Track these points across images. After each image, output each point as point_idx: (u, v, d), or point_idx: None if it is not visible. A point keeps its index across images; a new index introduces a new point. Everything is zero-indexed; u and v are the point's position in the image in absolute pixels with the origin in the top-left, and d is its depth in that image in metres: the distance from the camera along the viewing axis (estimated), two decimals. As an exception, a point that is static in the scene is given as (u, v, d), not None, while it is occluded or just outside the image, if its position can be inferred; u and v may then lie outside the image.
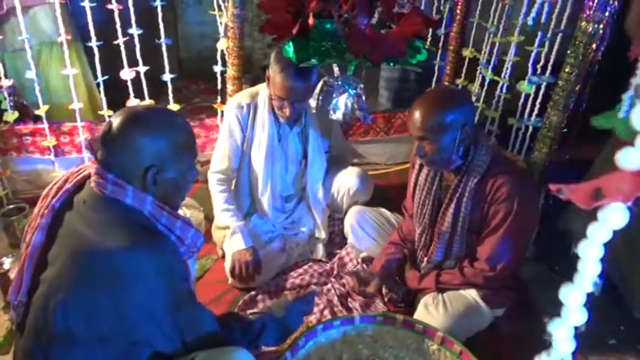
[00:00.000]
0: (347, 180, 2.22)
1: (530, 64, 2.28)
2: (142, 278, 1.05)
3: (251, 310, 1.91)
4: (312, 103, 1.60)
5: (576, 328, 0.56)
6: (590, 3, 1.85)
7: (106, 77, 2.32)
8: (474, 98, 2.65)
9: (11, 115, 2.31)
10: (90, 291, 1.04)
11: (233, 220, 2.02)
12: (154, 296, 1.08)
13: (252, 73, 3.96)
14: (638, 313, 1.96)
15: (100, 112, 2.43)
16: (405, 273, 1.90)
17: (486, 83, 2.57)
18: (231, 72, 2.40)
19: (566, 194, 0.52)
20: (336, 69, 1.51)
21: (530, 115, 2.33)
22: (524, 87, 2.28)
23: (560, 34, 2.18)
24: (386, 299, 1.96)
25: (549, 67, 2.22)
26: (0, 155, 2.46)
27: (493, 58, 2.51)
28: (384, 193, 2.59)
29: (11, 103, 2.34)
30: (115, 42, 2.26)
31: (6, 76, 2.27)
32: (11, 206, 2.30)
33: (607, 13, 1.84)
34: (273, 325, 1.39)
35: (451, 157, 1.59)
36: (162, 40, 2.37)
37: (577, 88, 2.01)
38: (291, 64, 1.49)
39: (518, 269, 1.86)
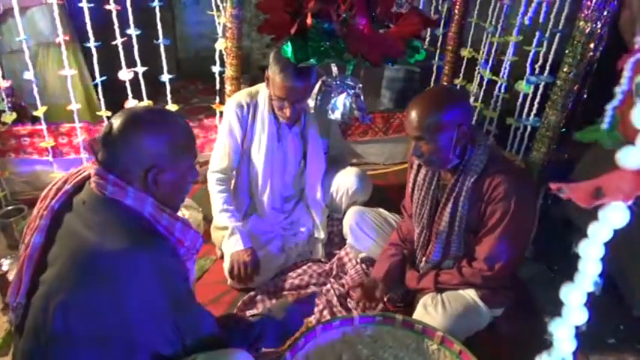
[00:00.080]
0: (346, 180, 2.22)
1: (528, 64, 2.28)
2: (142, 279, 1.05)
3: (251, 312, 1.91)
4: (311, 103, 1.60)
5: (577, 328, 0.56)
6: (589, 3, 1.85)
7: (104, 78, 2.32)
8: (472, 98, 2.65)
9: (9, 117, 2.30)
10: (90, 292, 1.03)
11: (232, 221, 2.02)
12: (154, 297, 1.08)
13: (250, 73, 3.96)
14: (638, 312, 1.96)
15: (97, 113, 2.43)
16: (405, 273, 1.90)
17: (485, 83, 2.57)
18: (229, 72, 2.40)
19: (566, 193, 0.52)
20: (334, 69, 1.51)
21: (528, 114, 2.33)
22: (523, 87, 2.28)
23: (558, 34, 2.18)
24: (385, 299, 1.96)
25: (547, 67, 2.22)
26: (-2, 156, 2.45)
27: (491, 58, 2.51)
28: (383, 193, 2.59)
29: (9, 105, 2.33)
30: (113, 42, 2.26)
31: (3, 77, 2.27)
32: (10, 207, 2.30)
33: (605, 13, 1.84)
34: (272, 326, 1.39)
35: (448, 157, 1.59)
36: (161, 40, 2.37)
37: (575, 88, 2.01)
38: (291, 64, 1.49)
39: (516, 269, 1.86)
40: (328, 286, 2.05)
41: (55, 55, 2.67)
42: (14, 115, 2.32)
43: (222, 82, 2.47)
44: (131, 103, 2.37)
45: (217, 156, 2.13)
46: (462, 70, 2.79)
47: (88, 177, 1.16)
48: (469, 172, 1.61)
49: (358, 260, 2.14)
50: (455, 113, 1.54)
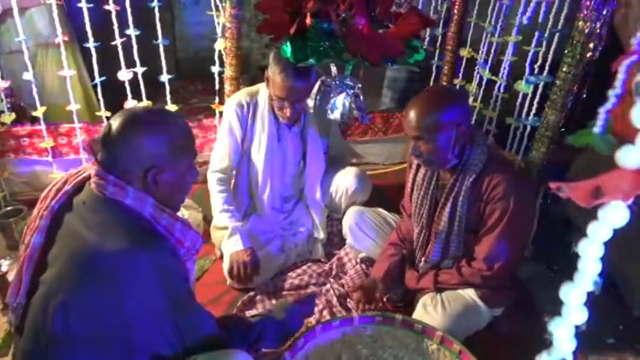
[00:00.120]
0: (345, 180, 2.22)
1: (527, 64, 2.28)
2: (142, 279, 1.05)
3: (251, 312, 1.91)
4: (310, 102, 1.60)
5: (577, 327, 0.56)
6: (587, 3, 1.85)
7: (103, 78, 2.31)
8: (471, 98, 2.65)
9: (8, 117, 2.30)
10: (90, 292, 1.03)
11: (232, 221, 2.02)
12: (154, 298, 1.08)
13: (249, 73, 3.96)
14: (638, 312, 1.97)
15: (97, 114, 2.42)
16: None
17: (484, 83, 2.57)
18: (228, 72, 2.40)
19: (565, 192, 0.52)
20: (333, 69, 1.51)
21: (527, 114, 2.33)
22: (522, 86, 2.28)
23: (557, 34, 2.18)
24: (385, 299, 1.96)
25: (547, 67, 2.22)
26: (-3, 157, 2.45)
27: (491, 58, 2.51)
28: (382, 193, 2.59)
29: (8, 105, 2.33)
30: (113, 43, 2.26)
31: (2, 78, 2.26)
32: (9, 208, 2.29)
33: (604, 13, 1.84)
34: (273, 327, 1.39)
35: (447, 157, 1.59)
36: (160, 40, 2.36)
37: (575, 88, 2.02)
38: (291, 64, 1.49)
39: (516, 268, 1.86)
40: (328, 286, 2.04)
41: (53, 56, 2.67)
42: (13, 116, 2.32)
43: (221, 83, 2.46)
44: (130, 103, 2.37)
45: (217, 156, 2.12)
46: (461, 70, 2.79)
47: (88, 177, 1.16)
48: (468, 171, 1.61)
49: (358, 260, 2.14)
50: (453, 113, 1.54)
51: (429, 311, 1.68)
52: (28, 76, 2.21)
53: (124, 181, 1.11)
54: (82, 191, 1.15)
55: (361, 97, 1.51)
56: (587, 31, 1.88)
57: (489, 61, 2.52)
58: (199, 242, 1.26)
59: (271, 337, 1.39)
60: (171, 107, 2.47)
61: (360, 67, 1.43)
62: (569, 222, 2.22)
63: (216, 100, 2.53)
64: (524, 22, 2.26)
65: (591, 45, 1.91)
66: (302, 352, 1.51)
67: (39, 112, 2.30)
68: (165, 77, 2.43)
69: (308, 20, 1.32)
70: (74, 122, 2.39)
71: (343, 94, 1.47)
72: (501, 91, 2.50)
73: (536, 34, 2.23)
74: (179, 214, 1.27)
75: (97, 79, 2.31)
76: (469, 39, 2.70)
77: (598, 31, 1.88)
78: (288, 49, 1.38)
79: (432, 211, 1.76)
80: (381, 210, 2.16)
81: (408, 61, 1.43)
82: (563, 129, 2.13)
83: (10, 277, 1.91)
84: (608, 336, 1.90)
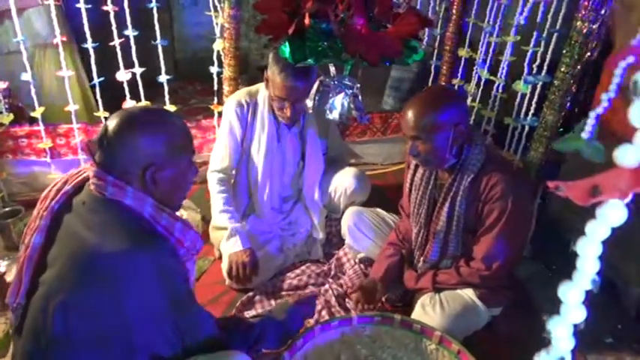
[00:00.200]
0: (344, 180, 2.22)
1: (526, 64, 2.29)
2: (142, 280, 1.05)
3: (250, 313, 1.91)
4: (309, 103, 1.60)
5: (575, 326, 0.56)
6: (586, 3, 1.85)
7: (101, 79, 2.31)
8: (470, 98, 2.66)
9: (6, 118, 2.30)
10: (90, 292, 1.03)
11: (232, 222, 2.01)
12: (154, 298, 1.07)
13: (248, 73, 3.96)
14: (634, 312, 1.97)
15: (95, 114, 2.42)
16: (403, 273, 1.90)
17: (482, 83, 2.58)
18: (227, 73, 2.40)
19: (563, 191, 0.52)
20: (332, 69, 1.51)
21: (526, 114, 2.33)
22: (520, 86, 2.28)
23: (555, 34, 2.18)
24: (383, 299, 1.96)
25: (545, 67, 2.22)
26: (-4, 158, 2.45)
27: (489, 58, 2.52)
28: (381, 193, 2.59)
29: (6, 106, 2.33)
30: (111, 43, 2.26)
31: (0, 79, 2.26)
32: (7, 209, 2.29)
33: (602, 13, 1.85)
34: (273, 327, 1.39)
35: (445, 157, 1.60)
36: (158, 41, 2.36)
37: (573, 88, 2.02)
38: (290, 64, 1.49)
39: (514, 268, 1.86)
40: (327, 286, 2.04)
41: (52, 56, 2.67)
42: (11, 116, 2.32)
43: (220, 83, 2.46)
44: (129, 104, 2.37)
45: (218, 155, 2.12)
46: (460, 70, 2.79)
47: (88, 178, 1.16)
48: (466, 171, 1.61)
49: (357, 260, 2.14)
50: (451, 113, 1.54)
51: (427, 311, 1.68)
52: (26, 76, 2.21)
53: (123, 181, 1.11)
54: (81, 191, 1.15)
55: (360, 97, 1.51)
56: (585, 31, 1.88)
57: (488, 61, 2.52)
58: (199, 242, 1.26)
59: (271, 337, 1.39)
60: (170, 108, 2.47)
61: (358, 67, 1.43)
62: (559, 223, 2.22)
63: (215, 100, 2.54)
64: (522, 22, 2.27)
65: (589, 45, 1.92)
66: (301, 352, 1.51)
67: (37, 113, 2.30)
68: (163, 78, 2.43)
69: (306, 20, 1.32)
70: (72, 123, 2.39)
71: (342, 94, 1.47)
72: (500, 91, 2.51)
73: (535, 34, 2.24)
74: (177, 214, 1.26)
75: (96, 80, 2.31)
76: (467, 39, 2.70)
77: (596, 31, 1.89)
78: (286, 49, 1.38)
79: (430, 211, 1.76)
80: (379, 210, 2.16)
81: (406, 61, 1.43)
82: (561, 129, 2.14)
83: (8, 277, 1.91)
84: (606, 335, 1.91)
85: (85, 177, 1.18)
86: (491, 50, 2.51)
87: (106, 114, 2.36)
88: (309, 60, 1.34)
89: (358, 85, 1.48)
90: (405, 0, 1.41)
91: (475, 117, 2.73)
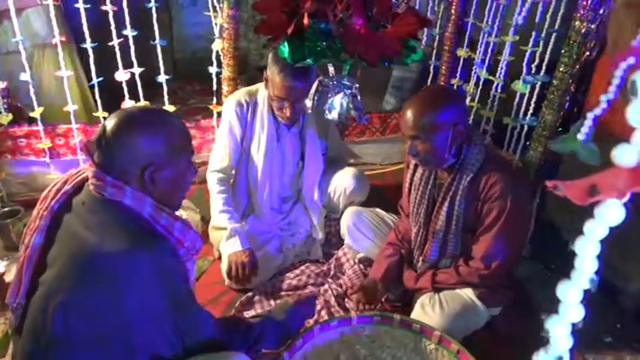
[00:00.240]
0: (343, 180, 2.22)
1: (524, 64, 2.29)
2: (142, 280, 1.05)
3: (249, 313, 1.91)
4: (308, 103, 1.60)
5: (573, 325, 0.56)
6: (584, 2, 1.86)
7: (100, 79, 2.31)
8: (469, 98, 2.66)
9: (5, 118, 2.30)
10: (89, 292, 1.03)
11: (231, 222, 2.01)
12: (154, 298, 1.08)
13: (247, 74, 3.97)
14: (631, 310, 1.97)
15: (94, 114, 2.42)
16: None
17: (481, 83, 2.58)
18: (226, 73, 2.40)
19: (562, 191, 0.52)
20: (331, 69, 1.51)
21: (525, 114, 2.33)
22: (519, 86, 2.28)
23: (554, 34, 2.19)
24: (383, 299, 1.96)
25: (544, 67, 2.23)
26: (-6, 158, 2.45)
27: (488, 58, 2.52)
28: (380, 193, 2.59)
29: (5, 106, 2.32)
30: (110, 43, 2.26)
31: None
32: (6, 209, 2.29)
33: (601, 12, 1.85)
34: (273, 328, 1.39)
35: (444, 156, 1.60)
36: (157, 41, 2.36)
37: (571, 87, 2.02)
38: (290, 64, 1.50)
39: (513, 267, 1.87)
40: (326, 286, 2.05)
41: (51, 56, 2.67)
42: (10, 117, 2.32)
43: (219, 83, 2.46)
44: (128, 104, 2.37)
45: (217, 155, 2.12)
46: (459, 69, 2.79)
47: (88, 178, 1.16)
48: (465, 170, 1.61)
49: (356, 260, 2.14)
50: (450, 113, 1.55)
51: (427, 311, 1.68)
52: (25, 76, 2.21)
53: (121, 182, 1.11)
54: (81, 191, 1.15)
55: (358, 97, 1.51)
56: (583, 30, 1.89)
57: (486, 61, 2.52)
58: (199, 242, 1.26)
59: (271, 337, 1.39)
60: (169, 108, 2.47)
61: (357, 67, 1.43)
62: (552, 225, 2.23)
63: (214, 100, 2.54)
64: (520, 21, 2.27)
65: (588, 45, 1.92)
66: (300, 352, 1.51)
67: (36, 113, 2.30)
68: (162, 78, 2.43)
69: (305, 20, 1.32)
70: (71, 123, 2.39)
71: (341, 94, 1.47)
72: (499, 90, 2.51)
73: (533, 33, 2.24)
74: (176, 214, 1.26)
75: (95, 80, 2.31)
76: (466, 39, 2.70)
77: (595, 30, 1.89)
78: (285, 49, 1.38)
79: (429, 211, 1.76)
80: (378, 210, 2.16)
81: (405, 61, 1.43)
82: (560, 129, 2.14)
83: (7, 278, 1.91)
84: (605, 335, 1.91)
85: (84, 177, 1.18)
86: (490, 50, 2.51)
87: (105, 114, 2.36)
88: (308, 60, 1.35)
89: (357, 85, 1.48)
90: (403, 0, 1.41)
91: (474, 117, 2.74)
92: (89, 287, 1.04)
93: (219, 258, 2.09)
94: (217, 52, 2.39)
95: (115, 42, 2.26)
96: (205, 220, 2.32)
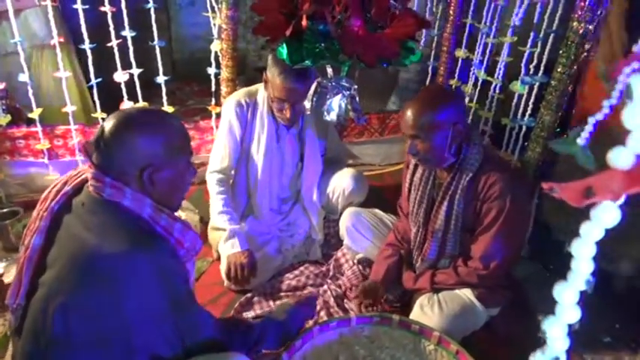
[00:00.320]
0: (342, 181, 2.22)
1: (523, 65, 2.29)
2: (142, 280, 1.05)
3: (249, 314, 1.91)
4: (307, 104, 1.60)
5: (570, 326, 0.57)
6: (582, 3, 1.86)
7: (99, 80, 2.31)
8: (467, 99, 2.66)
9: (4, 119, 2.30)
10: (89, 294, 1.04)
11: (231, 223, 2.01)
12: (154, 299, 1.08)
13: (246, 74, 3.97)
14: (622, 284, 1.97)
15: (93, 115, 2.42)
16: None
17: (479, 84, 2.58)
18: (225, 74, 2.40)
19: (557, 192, 0.53)
20: (329, 70, 1.51)
21: (523, 115, 2.34)
22: (517, 87, 2.29)
23: (552, 35, 2.19)
24: (382, 300, 1.96)
25: (542, 67, 2.23)
26: (-7, 159, 2.44)
27: (486, 59, 2.52)
28: (379, 194, 2.59)
29: (4, 107, 2.33)
30: (108, 44, 2.26)
31: (-2, 80, 2.26)
32: (5, 210, 2.29)
33: (598, 13, 1.86)
34: (273, 328, 1.40)
35: (443, 155, 1.60)
36: (156, 42, 2.36)
37: (569, 88, 2.03)
38: (289, 65, 1.50)
39: (512, 268, 1.87)
40: (325, 287, 2.05)
41: (49, 57, 2.67)
42: (9, 117, 2.32)
43: (217, 84, 2.46)
44: (126, 104, 2.37)
45: (217, 156, 2.12)
46: (457, 70, 2.80)
47: (87, 179, 1.16)
48: (465, 170, 1.62)
49: (355, 261, 2.14)
50: (449, 112, 1.55)
51: (426, 312, 1.68)
52: (23, 77, 2.20)
53: (121, 182, 1.11)
54: (81, 192, 1.15)
55: (357, 99, 1.51)
56: (581, 31, 1.89)
57: (485, 62, 2.53)
58: (199, 243, 1.26)
59: (271, 338, 1.39)
60: (168, 109, 2.47)
61: (355, 69, 1.44)
62: (547, 226, 2.23)
63: (213, 101, 2.54)
64: (518, 22, 2.28)
65: (586, 45, 1.93)
66: (299, 352, 1.51)
67: (35, 114, 2.30)
68: (161, 79, 2.43)
69: (304, 22, 1.32)
70: (70, 124, 2.39)
71: (339, 96, 1.48)
72: (497, 91, 2.51)
73: (531, 34, 2.24)
74: (176, 215, 1.26)
75: (93, 81, 2.31)
76: (464, 40, 2.71)
77: (592, 31, 1.90)
78: (284, 50, 1.38)
79: (428, 210, 1.77)
80: (377, 211, 2.16)
81: (403, 62, 1.44)
82: (558, 129, 2.14)
83: (7, 279, 1.91)
84: (604, 335, 1.91)
85: (84, 178, 1.18)
86: (488, 51, 2.52)
87: (104, 115, 2.36)
88: (307, 61, 1.35)
89: (355, 87, 1.48)
90: (401, 1, 1.42)
91: (473, 117, 2.74)
92: (89, 288, 1.04)
93: (218, 259, 2.09)
94: (216, 52, 2.40)
95: (114, 43, 2.26)
96: (204, 220, 2.32)
